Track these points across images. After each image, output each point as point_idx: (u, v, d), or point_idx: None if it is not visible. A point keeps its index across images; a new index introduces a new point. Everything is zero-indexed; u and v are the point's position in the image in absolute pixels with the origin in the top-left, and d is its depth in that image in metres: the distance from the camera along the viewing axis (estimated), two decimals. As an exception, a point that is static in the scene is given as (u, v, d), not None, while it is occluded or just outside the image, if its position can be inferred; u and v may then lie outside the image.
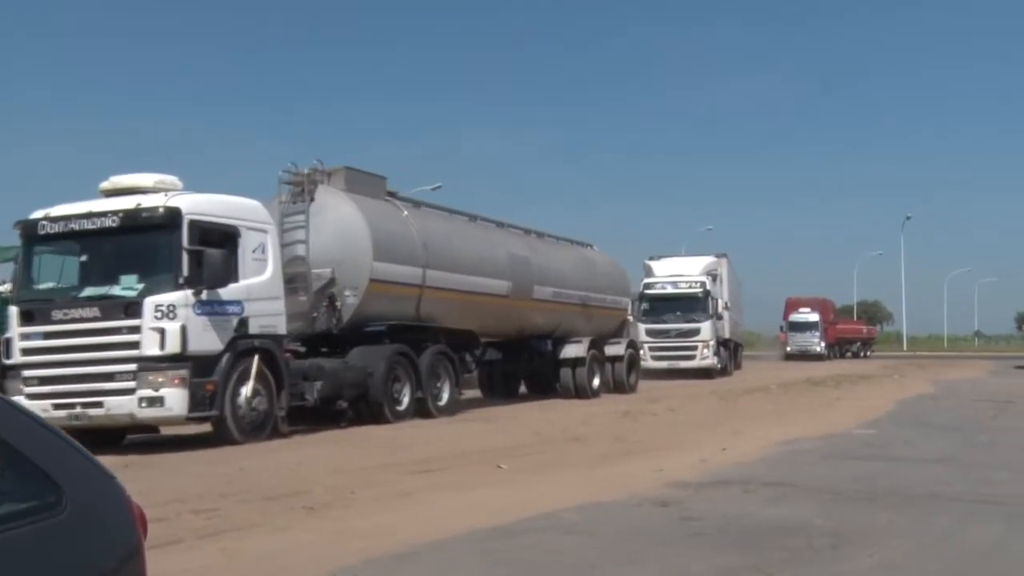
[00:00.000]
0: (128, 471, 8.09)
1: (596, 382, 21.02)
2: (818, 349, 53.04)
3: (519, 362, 20.93)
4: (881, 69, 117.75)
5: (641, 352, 29.83)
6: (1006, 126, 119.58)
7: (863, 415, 16.12)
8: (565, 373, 20.49)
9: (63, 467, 2.46)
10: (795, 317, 54.28)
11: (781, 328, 55.97)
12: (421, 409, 15.19)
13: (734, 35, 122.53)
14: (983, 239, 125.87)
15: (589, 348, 20.67)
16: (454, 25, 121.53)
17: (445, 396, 15.93)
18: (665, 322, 31.00)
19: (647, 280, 32.13)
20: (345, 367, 14.15)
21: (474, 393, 20.38)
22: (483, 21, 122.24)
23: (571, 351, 20.45)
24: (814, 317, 53.86)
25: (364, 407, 14.47)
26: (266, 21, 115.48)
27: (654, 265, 33.20)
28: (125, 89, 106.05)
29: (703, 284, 31.10)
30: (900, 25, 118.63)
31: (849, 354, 60.17)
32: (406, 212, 16.32)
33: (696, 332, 30.63)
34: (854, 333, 63.85)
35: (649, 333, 30.96)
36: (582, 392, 20.35)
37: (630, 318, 29.27)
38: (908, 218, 75.79)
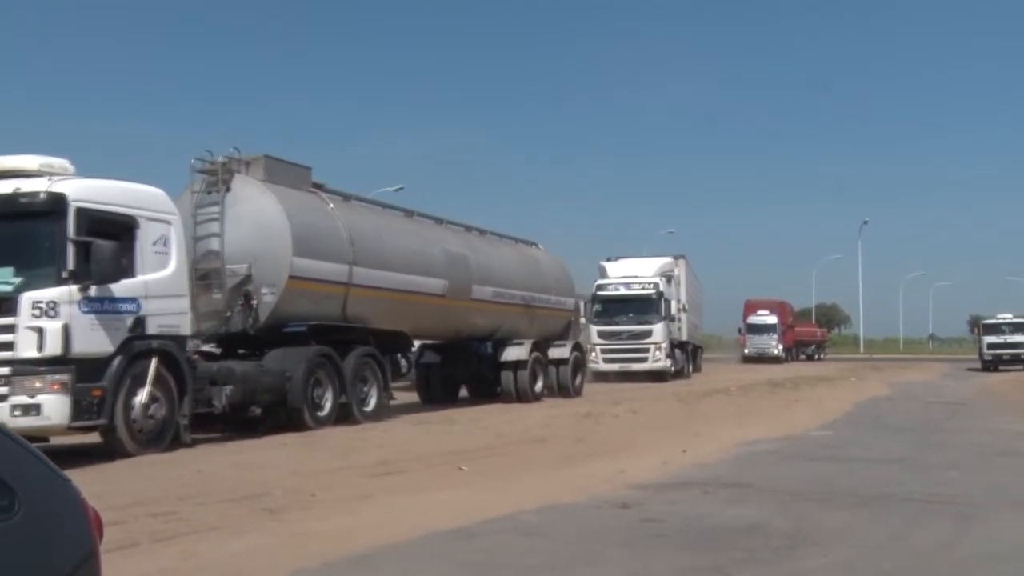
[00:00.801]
0: (83, 474, 8.06)
1: (539, 386, 20.10)
2: (776, 351, 52.67)
3: (458, 365, 19.91)
4: (881, 71, 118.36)
5: (593, 355, 29.25)
6: (1004, 127, 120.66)
7: (821, 417, 16.38)
8: (506, 376, 19.49)
9: (15, 470, 2.41)
10: (753, 319, 53.90)
11: (740, 330, 55.54)
12: (345, 414, 14.14)
13: (735, 35, 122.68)
14: (937, 243, 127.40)
15: (532, 351, 19.73)
16: (454, 25, 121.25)
17: (372, 401, 14.92)
18: (617, 324, 30.39)
19: (600, 281, 31.67)
20: (260, 371, 13.09)
21: (411, 397, 19.39)
22: (483, 21, 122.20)
23: (512, 354, 19.47)
24: (772, 319, 53.52)
25: (282, 413, 13.40)
26: (265, 21, 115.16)
27: (608, 266, 32.77)
28: (125, 89, 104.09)
29: (656, 286, 30.53)
30: (900, 25, 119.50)
31: (804, 356, 60.12)
32: (332, 205, 15.28)
33: (648, 334, 30.01)
34: (810, 336, 63.87)
35: (601, 335, 30.46)
36: (523, 396, 19.36)
37: (582, 320, 28.60)
38: (865, 223, 76.38)
